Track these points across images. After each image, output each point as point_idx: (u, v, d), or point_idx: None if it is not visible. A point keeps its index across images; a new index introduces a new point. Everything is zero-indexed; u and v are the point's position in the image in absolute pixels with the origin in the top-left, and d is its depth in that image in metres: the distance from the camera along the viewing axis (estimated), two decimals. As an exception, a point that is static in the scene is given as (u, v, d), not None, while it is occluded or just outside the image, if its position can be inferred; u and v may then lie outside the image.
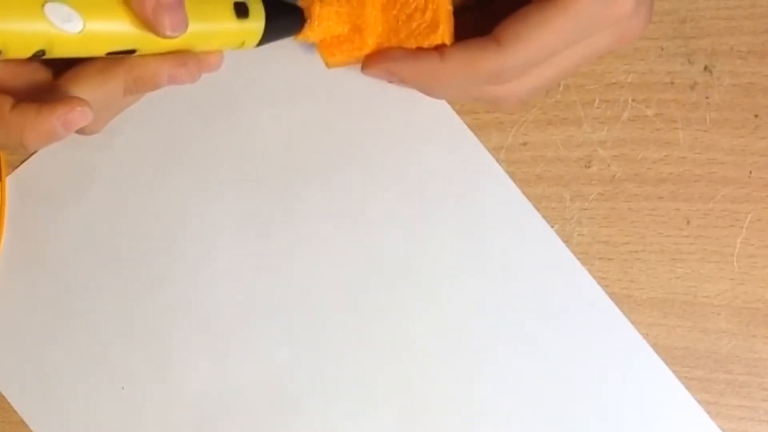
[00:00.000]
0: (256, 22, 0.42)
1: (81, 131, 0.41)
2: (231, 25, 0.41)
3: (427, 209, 0.52)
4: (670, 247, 0.51)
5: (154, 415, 0.52)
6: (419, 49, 0.44)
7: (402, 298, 0.52)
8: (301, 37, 0.45)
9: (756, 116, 0.50)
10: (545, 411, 0.51)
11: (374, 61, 0.45)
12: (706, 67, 0.50)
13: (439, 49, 0.43)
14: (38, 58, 0.37)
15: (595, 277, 0.51)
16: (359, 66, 0.46)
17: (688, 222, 0.51)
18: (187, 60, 0.41)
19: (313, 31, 0.45)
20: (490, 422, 0.51)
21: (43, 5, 0.35)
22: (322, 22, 0.44)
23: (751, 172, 0.50)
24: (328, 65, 0.46)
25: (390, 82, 0.46)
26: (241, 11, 0.41)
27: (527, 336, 0.51)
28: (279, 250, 0.52)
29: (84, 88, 0.40)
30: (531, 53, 0.42)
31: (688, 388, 0.51)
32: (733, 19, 0.50)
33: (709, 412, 0.50)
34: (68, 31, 0.36)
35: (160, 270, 0.53)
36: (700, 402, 0.51)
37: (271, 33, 0.43)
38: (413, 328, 0.52)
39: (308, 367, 0.52)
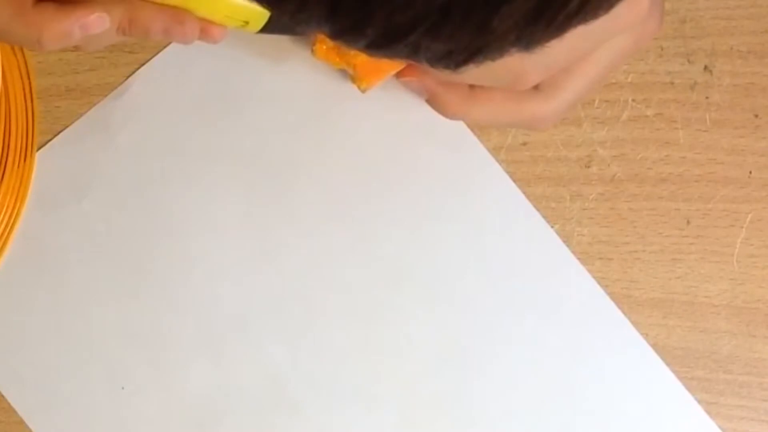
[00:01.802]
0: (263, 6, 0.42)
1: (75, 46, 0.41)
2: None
3: (427, 209, 0.52)
4: (670, 247, 0.51)
5: (154, 415, 0.52)
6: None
7: (402, 297, 0.52)
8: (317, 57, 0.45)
9: (756, 116, 0.50)
10: (545, 411, 0.51)
11: (411, 73, 0.45)
12: (706, 67, 0.50)
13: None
14: None
15: (595, 277, 0.51)
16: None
17: (688, 222, 0.51)
18: (185, 19, 0.41)
19: (317, 55, 0.45)
20: (490, 422, 0.51)
21: None
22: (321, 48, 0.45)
23: (751, 172, 0.50)
24: (361, 89, 0.46)
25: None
26: None
27: (527, 336, 0.51)
28: (279, 250, 0.52)
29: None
30: (555, 51, 0.42)
31: (688, 388, 0.51)
32: (733, 19, 0.50)
33: (709, 412, 0.50)
34: None
35: (160, 270, 0.53)
36: (700, 402, 0.51)
37: (276, 22, 0.43)
38: (413, 328, 0.52)
39: (308, 368, 0.52)
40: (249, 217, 0.52)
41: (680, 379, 0.51)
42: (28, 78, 0.52)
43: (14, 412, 0.53)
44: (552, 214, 0.51)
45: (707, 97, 0.50)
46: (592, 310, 0.51)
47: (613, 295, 0.51)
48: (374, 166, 0.52)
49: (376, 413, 0.52)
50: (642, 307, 0.51)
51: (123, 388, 0.53)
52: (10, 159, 0.52)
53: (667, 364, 0.51)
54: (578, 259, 0.51)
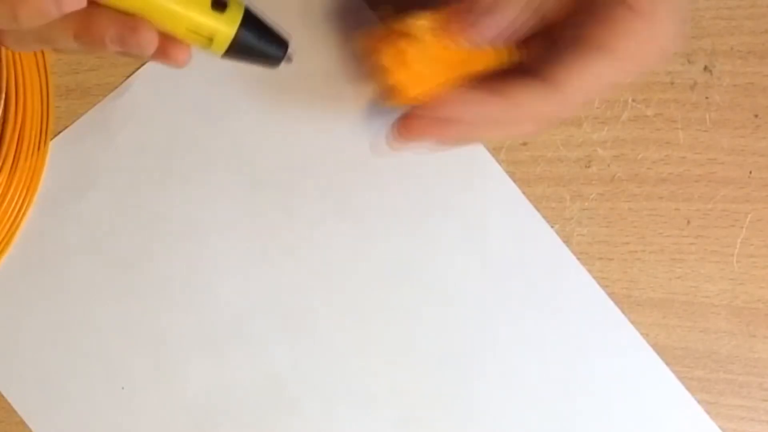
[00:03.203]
0: (229, 24, 0.41)
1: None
2: (201, 10, 0.40)
3: (427, 209, 0.52)
4: (670, 247, 0.51)
5: (153, 415, 0.52)
6: (481, 91, 0.44)
7: (401, 297, 0.52)
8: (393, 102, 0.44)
9: (756, 116, 0.50)
10: (545, 411, 0.51)
11: (430, 108, 0.44)
12: (706, 67, 0.50)
13: (504, 93, 0.43)
14: None
15: (595, 277, 0.51)
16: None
17: (688, 222, 0.51)
18: (139, 27, 0.39)
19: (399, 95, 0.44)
20: (490, 422, 0.51)
21: None
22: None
23: (751, 172, 0.50)
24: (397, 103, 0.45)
25: (438, 142, 0.46)
26: (218, 4, 0.40)
27: (527, 336, 0.51)
28: (279, 250, 0.52)
29: None
30: (590, 96, 0.44)
31: (688, 388, 0.51)
32: (733, 19, 0.50)
33: (709, 412, 0.51)
34: None
35: (160, 270, 0.53)
36: (700, 402, 0.51)
37: (242, 44, 0.41)
38: (413, 329, 0.52)
39: (308, 368, 0.52)
40: (249, 217, 0.52)
41: (680, 379, 0.51)
42: (45, 72, 0.52)
43: (14, 412, 0.53)
44: (552, 214, 0.51)
45: (707, 97, 0.50)
46: (591, 310, 0.51)
47: (613, 295, 0.51)
48: (373, 166, 0.52)
49: (376, 413, 0.52)
50: (642, 307, 0.51)
51: (123, 388, 0.53)
52: (22, 154, 0.52)
53: (667, 364, 0.51)
54: (578, 259, 0.51)
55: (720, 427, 0.50)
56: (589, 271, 0.51)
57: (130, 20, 0.39)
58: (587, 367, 0.51)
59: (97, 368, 0.53)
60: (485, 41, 0.43)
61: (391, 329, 0.52)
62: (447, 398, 0.52)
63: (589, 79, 0.42)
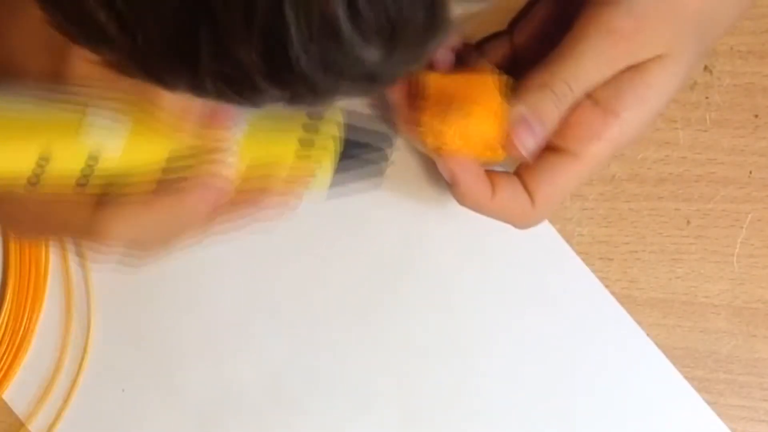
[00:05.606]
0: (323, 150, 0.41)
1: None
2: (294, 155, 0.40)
3: (426, 208, 0.52)
4: (670, 247, 0.51)
5: (154, 417, 0.52)
6: (481, 176, 0.45)
7: (402, 297, 0.52)
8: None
9: (756, 116, 0.50)
10: (548, 411, 0.51)
11: (447, 158, 0.45)
12: (706, 67, 0.50)
13: (494, 183, 0.45)
14: (86, 179, 0.37)
15: (594, 277, 0.51)
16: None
17: (688, 222, 0.51)
18: (264, 201, 0.41)
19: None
20: (491, 422, 0.51)
21: (84, 116, 0.36)
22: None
23: (751, 172, 0.50)
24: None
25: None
26: (308, 141, 0.41)
27: (530, 336, 0.51)
28: (279, 248, 0.52)
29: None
30: (557, 204, 0.46)
31: (688, 388, 0.51)
32: (734, 19, 0.50)
33: (709, 413, 0.51)
34: (111, 145, 0.36)
35: (160, 270, 0.52)
36: (700, 402, 0.51)
37: (344, 170, 0.42)
38: (413, 328, 0.52)
39: (308, 367, 0.52)
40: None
41: (680, 379, 0.51)
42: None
43: (13, 412, 0.53)
44: (552, 214, 0.51)
45: (707, 97, 0.50)
46: (595, 310, 0.51)
47: (613, 295, 0.51)
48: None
49: (377, 412, 0.52)
50: (642, 307, 0.51)
51: (123, 390, 0.52)
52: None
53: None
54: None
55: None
56: (589, 271, 0.51)
57: (256, 198, 0.41)
58: (590, 367, 0.51)
59: (98, 370, 0.53)
60: None
61: (390, 328, 0.52)
62: (447, 397, 0.52)
63: (565, 192, 0.45)
